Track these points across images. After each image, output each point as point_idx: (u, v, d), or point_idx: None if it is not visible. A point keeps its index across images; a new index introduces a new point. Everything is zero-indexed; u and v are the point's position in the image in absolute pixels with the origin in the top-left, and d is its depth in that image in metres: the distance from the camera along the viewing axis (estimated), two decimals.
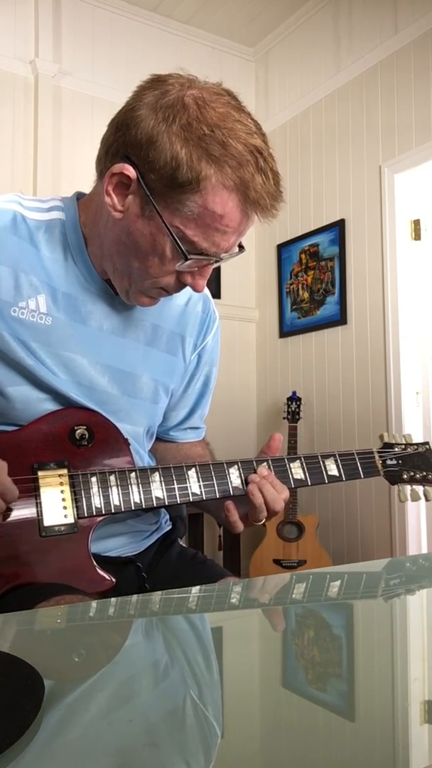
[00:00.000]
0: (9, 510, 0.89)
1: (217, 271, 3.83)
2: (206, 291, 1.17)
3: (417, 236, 3.28)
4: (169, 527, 1.19)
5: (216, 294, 3.87)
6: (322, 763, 0.39)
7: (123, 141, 0.88)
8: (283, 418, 3.56)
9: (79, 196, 1.03)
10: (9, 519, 0.90)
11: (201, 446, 1.23)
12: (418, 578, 0.93)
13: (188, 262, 0.90)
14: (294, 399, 3.53)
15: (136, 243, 0.91)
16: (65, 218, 0.99)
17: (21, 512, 0.90)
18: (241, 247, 0.95)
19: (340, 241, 3.54)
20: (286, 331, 3.87)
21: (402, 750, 0.41)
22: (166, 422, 1.17)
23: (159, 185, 0.86)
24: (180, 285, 0.96)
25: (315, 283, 3.69)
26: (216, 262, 0.93)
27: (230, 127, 0.84)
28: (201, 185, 0.84)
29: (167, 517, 1.19)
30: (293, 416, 3.49)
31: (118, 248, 0.94)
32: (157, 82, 0.89)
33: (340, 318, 3.52)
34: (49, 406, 0.97)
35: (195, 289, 0.96)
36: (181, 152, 0.84)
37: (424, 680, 0.53)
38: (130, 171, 0.88)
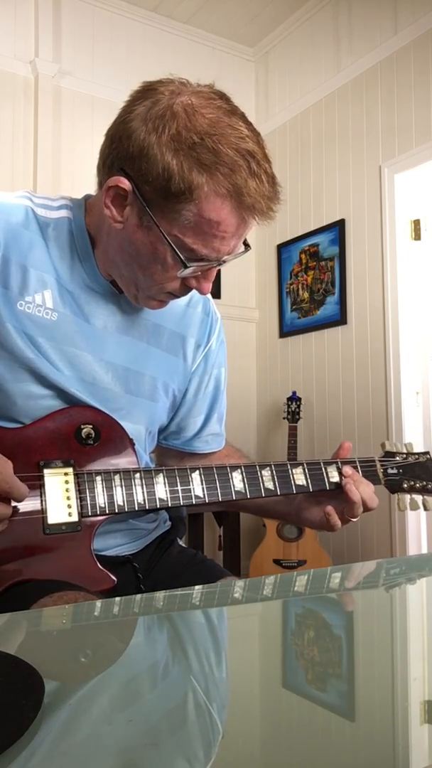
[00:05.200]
0: (15, 509, 0.89)
1: (217, 271, 3.83)
2: None
3: (417, 236, 3.28)
4: (168, 527, 1.19)
5: (216, 294, 3.87)
6: (322, 764, 0.39)
7: (117, 153, 0.89)
8: (283, 418, 3.56)
9: (88, 198, 1.04)
10: (13, 516, 0.90)
11: (232, 451, 1.24)
12: (418, 567, 0.93)
13: (189, 270, 0.91)
14: (294, 399, 3.54)
15: (138, 252, 0.92)
16: (72, 217, 1.00)
17: (25, 509, 0.90)
18: (246, 245, 0.95)
19: (340, 241, 3.54)
20: (286, 331, 3.87)
21: (402, 750, 0.41)
22: (185, 432, 1.18)
23: (154, 196, 0.87)
24: (187, 288, 0.97)
25: (315, 283, 3.69)
26: (220, 264, 0.94)
27: (221, 132, 0.84)
28: (194, 194, 0.84)
29: (166, 516, 1.19)
30: (293, 416, 3.49)
31: (122, 257, 0.95)
32: (148, 90, 0.89)
33: (340, 318, 3.52)
34: (51, 402, 0.97)
35: (200, 291, 0.97)
36: (172, 163, 0.84)
37: (424, 680, 0.53)
38: (125, 183, 0.88)
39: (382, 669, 0.56)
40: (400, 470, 1.14)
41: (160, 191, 0.86)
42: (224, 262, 0.93)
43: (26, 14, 3.45)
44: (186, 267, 0.90)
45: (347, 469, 1.07)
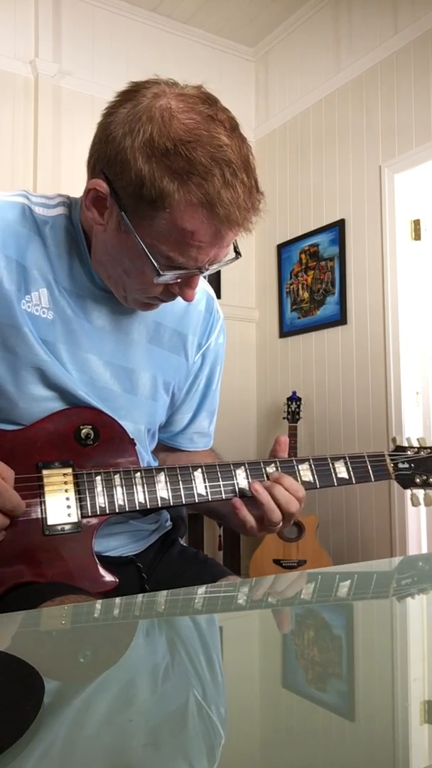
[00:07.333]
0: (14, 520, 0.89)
1: (217, 271, 3.83)
2: (209, 290, 1.17)
3: (417, 236, 3.28)
4: (170, 527, 1.19)
5: (216, 294, 3.85)
6: (322, 764, 0.39)
7: (98, 156, 0.88)
8: (283, 418, 3.56)
9: None
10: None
11: (209, 455, 1.22)
12: (430, 578, 0.93)
13: (166, 277, 0.89)
14: (294, 399, 3.53)
15: (120, 255, 0.91)
16: (70, 214, 0.99)
17: (25, 511, 0.90)
18: (237, 252, 0.93)
19: (340, 241, 3.54)
20: (286, 331, 3.87)
21: (402, 750, 0.41)
22: (171, 426, 1.17)
23: (129, 201, 0.85)
24: (172, 294, 0.95)
25: (315, 283, 3.69)
26: (202, 272, 0.91)
27: (196, 139, 0.82)
28: (166, 203, 0.83)
29: (167, 516, 1.19)
30: (293, 416, 3.49)
31: (107, 258, 0.94)
32: (132, 92, 0.87)
33: (340, 318, 3.52)
34: (55, 404, 0.96)
35: (184, 299, 0.95)
36: (144, 169, 0.82)
37: (424, 680, 0.53)
38: (103, 187, 0.87)
39: (382, 669, 0.56)
40: (412, 465, 1.11)
41: (134, 197, 0.84)
42: (207, 269, 0.91)
43: (26, 14, 3.45)
44: (160, 275, 0.88)
45: (272, 473, 1.02)
